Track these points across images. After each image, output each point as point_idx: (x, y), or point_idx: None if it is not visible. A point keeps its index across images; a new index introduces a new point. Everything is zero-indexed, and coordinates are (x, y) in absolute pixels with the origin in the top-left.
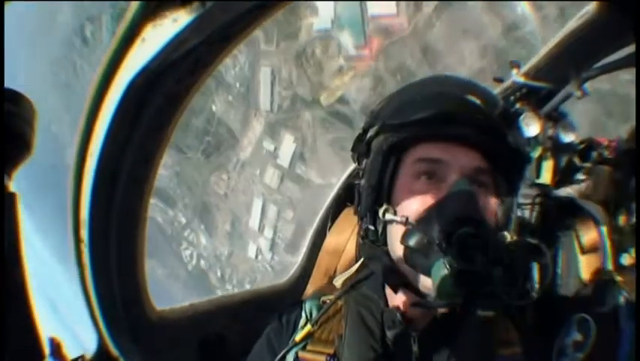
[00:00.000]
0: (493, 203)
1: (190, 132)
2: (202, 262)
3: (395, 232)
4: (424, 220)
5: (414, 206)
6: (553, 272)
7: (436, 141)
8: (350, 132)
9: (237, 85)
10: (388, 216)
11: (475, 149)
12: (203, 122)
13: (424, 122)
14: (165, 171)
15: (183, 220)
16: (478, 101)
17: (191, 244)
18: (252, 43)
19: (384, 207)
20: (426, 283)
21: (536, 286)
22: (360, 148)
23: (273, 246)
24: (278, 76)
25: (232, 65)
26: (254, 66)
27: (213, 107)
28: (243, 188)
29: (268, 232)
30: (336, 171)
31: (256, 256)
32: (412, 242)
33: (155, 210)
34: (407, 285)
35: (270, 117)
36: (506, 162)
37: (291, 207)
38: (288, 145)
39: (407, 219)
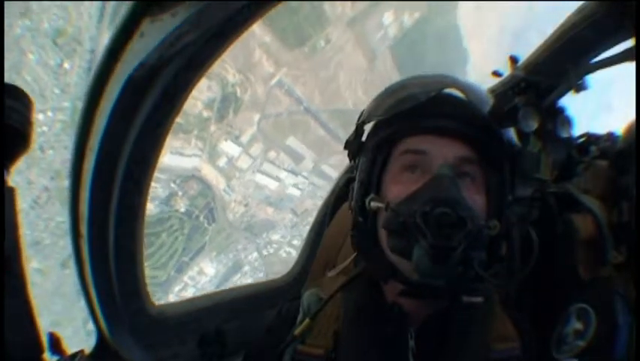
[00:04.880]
0: (478, 193)
1: (191, 222)
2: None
3: (380, 220)
4: (404, 204)
5: (397, 194)
6: (550, 262)
7: (421, 134)
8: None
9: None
10: (373, 204)
11: (461, 140)
12: (188, 204)
13: (408, 116)
14: (215, 269)
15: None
16: (459, 94)
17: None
18: None
19: (371, 196)
20: (410, 268)
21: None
22: (353, 147)
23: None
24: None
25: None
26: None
27: (181, 209)
28: (245, 185)
29: (278, 172)
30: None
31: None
32: (393, 225)
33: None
34: (395, 274)
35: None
36: (494, 152)
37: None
38: (231, 147)
39: (388, 204)
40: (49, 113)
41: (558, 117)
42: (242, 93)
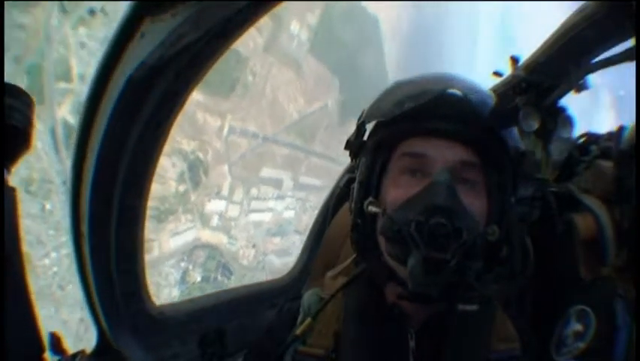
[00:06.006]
0: (477, 200)
1: (210, 285)
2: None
3: (378, 225)
4: (400, 211)
5: (395, 200)
6: (551, 266)
7: (422, 136)
8: None
9: None
10: (370, 208)
11: (462, 143)
12: (201, 272)
13: (408, 117)
14: None
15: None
16: (462, 95)
17: None
18: None
19: (370, 199)
20: (406, 273)
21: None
22: (354, 147)
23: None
24: None
25: None
26: None
27: (197, 280)
28: (244, 229)
29: (267, 204)
30: None
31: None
32: (388, 232)
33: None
34: (393, 278)
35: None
36: (497, 155)
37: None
38: (217, 204)
39: (384, 210)
40: (54, 254)
41: (559, 117)
42: (204, 155)
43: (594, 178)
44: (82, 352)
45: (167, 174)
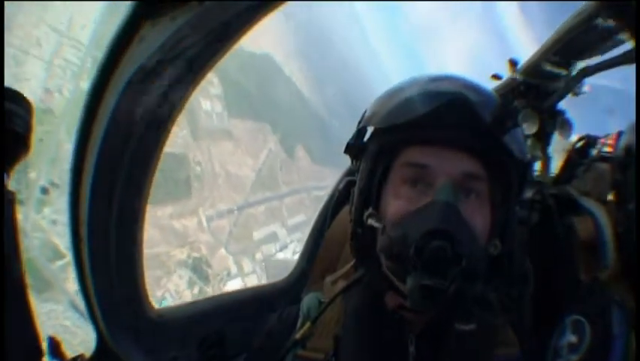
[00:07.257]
0: (481, 213)
1: None
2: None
3: (377, 238)
4: (400, 229)
5: (394, 213)
6: (550, 272)
7: (424, 145)
8: None
9: None
10: (370, 222)
11: (466, 152)
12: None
13: (411, 125)
14: None
15: None
16: (469, 100)
17: None
18: None
19: (370, 211)
20: (404, 289)
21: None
22: (354, 150)
23: None
24: None
25: None
26: None
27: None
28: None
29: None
30: None
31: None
32: (387, 252)
33: None
34: (392, 287)
35: None
36: (502, 165)
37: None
38: (233, 284)
39: (384, 228)
40: None
41: (557, 120)
42: (199, 253)
43: (593, 181)
44: (81, 356)
45: (180, 288)
